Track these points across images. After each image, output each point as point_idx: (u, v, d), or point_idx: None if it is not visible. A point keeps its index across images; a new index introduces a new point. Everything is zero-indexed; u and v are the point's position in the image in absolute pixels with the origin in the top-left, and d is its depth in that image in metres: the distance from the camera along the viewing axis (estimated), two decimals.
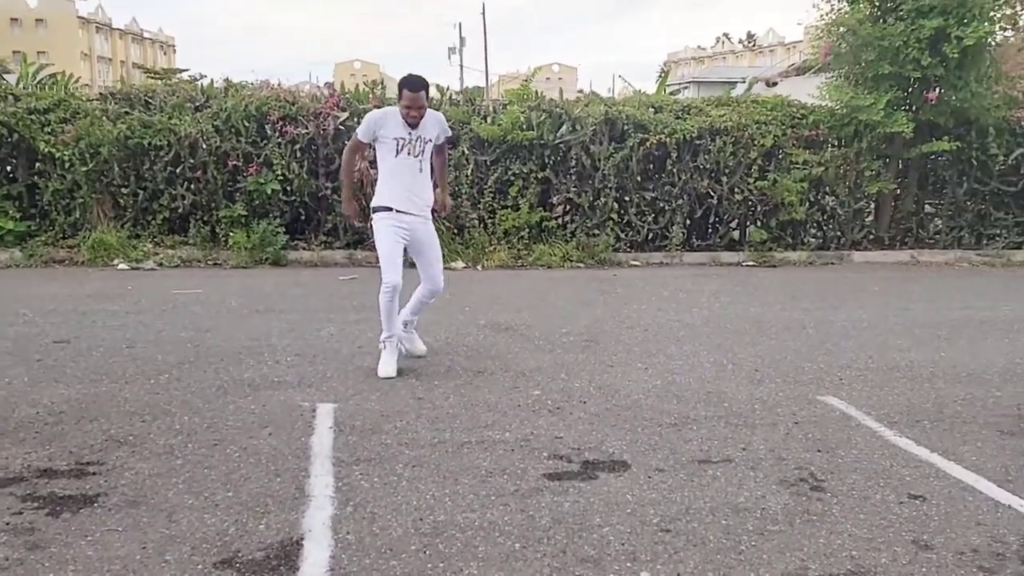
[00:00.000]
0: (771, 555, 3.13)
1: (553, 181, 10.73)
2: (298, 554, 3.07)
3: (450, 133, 5.71)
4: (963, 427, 4.61)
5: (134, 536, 3.18)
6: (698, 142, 10.82)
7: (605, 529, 3.31)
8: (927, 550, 3.19)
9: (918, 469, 4.00)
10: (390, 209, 5.31)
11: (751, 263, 10.97)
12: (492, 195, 10.54)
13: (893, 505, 3.59)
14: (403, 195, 5.31)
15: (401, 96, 5.22)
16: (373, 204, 5.43)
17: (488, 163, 10.53)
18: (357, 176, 10.08)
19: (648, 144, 10.65)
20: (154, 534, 3.20)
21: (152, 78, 46.68)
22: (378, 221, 5.36)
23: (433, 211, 5.60)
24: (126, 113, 10.27)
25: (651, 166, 10.98)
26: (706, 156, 10.81)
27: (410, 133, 5.23)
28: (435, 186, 5.66)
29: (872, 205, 11.94)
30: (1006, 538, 3.30)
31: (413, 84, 5.20)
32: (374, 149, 5.49)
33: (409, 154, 5.27)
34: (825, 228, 11.77)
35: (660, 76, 20.59)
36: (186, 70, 54.37)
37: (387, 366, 5.36)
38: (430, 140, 5.36)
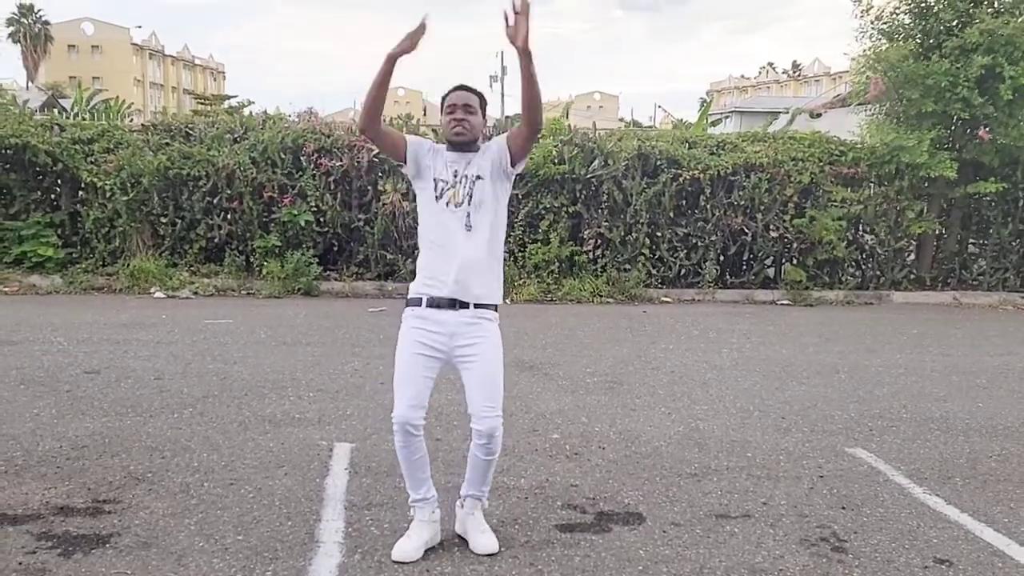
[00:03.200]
0: None
1: (584, 215, 10.71)
2: None
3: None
4: (996, 485, 4.46)
5: None
6: (732, 178, 10.75)
7: None
8: None
9: (946, 531, 3.86)
10: (419, 302, 3.49)
11: (786, 302, 10.81)
12: (523, 229, 10.56)
13: (917, 570, 3.46)
14: (441, 276, 3.43)
15: (443, 105, 3.49)
16: (409, 292, 3.59)
17: (519, 196, 10.54)
18: (389, 208, 10.20)
19: (681, 179, 10.60)
20: None
21: (202, 104, 47.80)
22: (403, 321, 3.55)
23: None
24: (166, 144, 10.50)
25: (684, 202, 10.93)
26: (740, 192, 10.73)
27: (455, 173, 3.42)
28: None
29: (913, 244, 11.72)
30: None
31: (462, 87, 3.51)
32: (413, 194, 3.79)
33: (450, 203, 3.42)
34: (864, 267, 11.58)
35: (702, 106, 20.54)
36: (235, 96, 55.70)
37: (405, 543, 3.47)
38: (480, 177, 3.42)
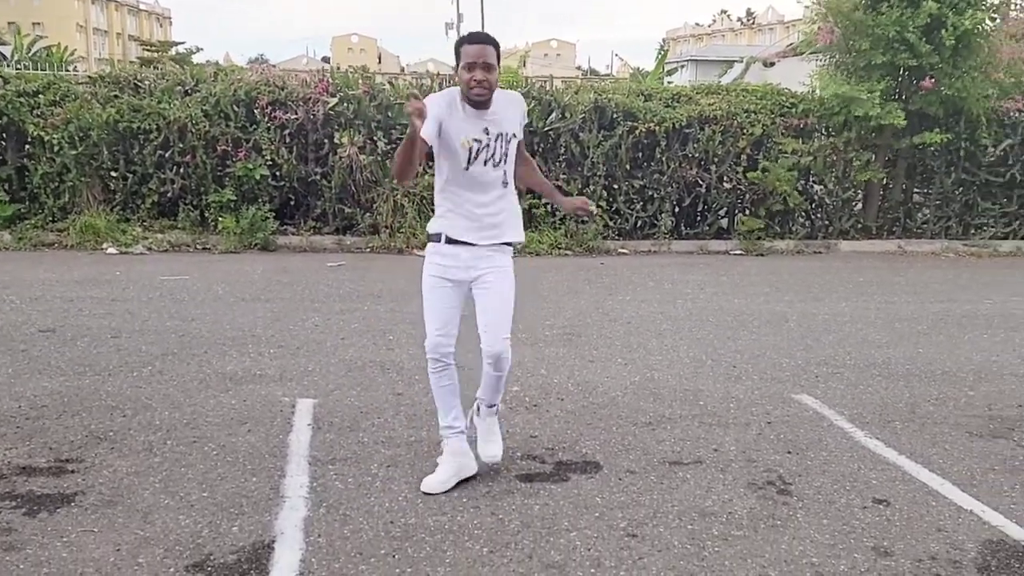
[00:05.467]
0: (733, 561, 3.20)
1: (542, 168, 10.73)
2: (269, 557, 3.13)
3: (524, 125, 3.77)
4: (934, 428, 4.68)
5: (109, 538, 3.23)
6: (687, 130, 10.84)
7: (572, 534, 3.37)
8: (886, 557, 3.26)
9: (885, 472, 4.07)
10: (439, 238, 3.71)
11: (739, 252, 11.01)
12: None
13: (857, 510, 3.65)
14: (465, 221, 3.66)
15: (459, 58, 3.49)
16: (428, 227, 3.84)
17: None
18: (346, 161, 10.13)
19: (637, 132, 10.67)
20: (129, 535, 3.26)
21: (148, 51, 46.35)
22: (426, 256, 3.80)
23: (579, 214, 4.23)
24: (115, 97, 10.26)
25: (640, 154, 11.00)
26: (695, 145, 10.84)
27: (487, 131, 3.53)
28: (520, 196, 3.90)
29: (860, 194, 11.97)
30: (964, 545, 3.37)
31: (477, 36, 3.57)
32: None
33: (487, 163, 3.57)
34: (813, 217, 11.81)
35: (659, 55, 20.44)
36: (182, 43, 54.24)
37: (432, 477, 3.74)
38: (513, 136, 3.62)
